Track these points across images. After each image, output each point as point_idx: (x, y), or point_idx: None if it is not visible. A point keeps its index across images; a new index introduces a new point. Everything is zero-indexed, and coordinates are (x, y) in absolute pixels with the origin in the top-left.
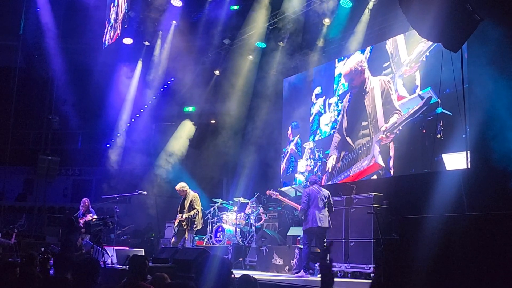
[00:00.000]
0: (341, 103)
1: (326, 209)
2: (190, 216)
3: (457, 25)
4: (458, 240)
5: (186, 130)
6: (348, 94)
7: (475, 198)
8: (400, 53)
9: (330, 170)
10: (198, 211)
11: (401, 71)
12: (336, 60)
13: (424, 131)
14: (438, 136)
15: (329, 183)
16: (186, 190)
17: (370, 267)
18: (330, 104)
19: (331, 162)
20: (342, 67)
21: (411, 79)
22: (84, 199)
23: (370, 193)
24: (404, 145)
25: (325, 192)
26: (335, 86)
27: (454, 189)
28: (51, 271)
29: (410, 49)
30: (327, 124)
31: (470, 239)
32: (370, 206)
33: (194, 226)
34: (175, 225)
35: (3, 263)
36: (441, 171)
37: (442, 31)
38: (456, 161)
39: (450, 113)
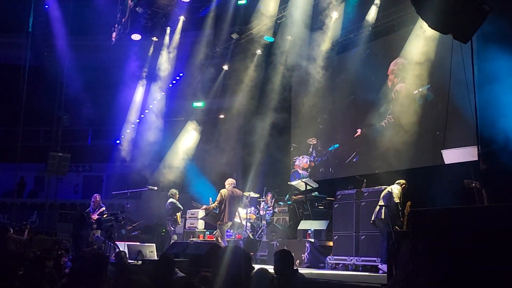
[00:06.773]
0: None
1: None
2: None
3: (466, 16)
4: (469, 231)
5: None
6: None
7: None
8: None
9: None
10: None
11: None
12: (344, 54)
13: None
14: (437, 132)
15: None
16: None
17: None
18: None
19: None
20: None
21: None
22: (95, 194)
23: (380, 187)
24: (404, 141)
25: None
26: None
27: (460, 181)
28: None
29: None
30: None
31: (481, 231)
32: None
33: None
34: None
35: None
36: (448, 164)
37: (451, 22)
38: (454, 156)
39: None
